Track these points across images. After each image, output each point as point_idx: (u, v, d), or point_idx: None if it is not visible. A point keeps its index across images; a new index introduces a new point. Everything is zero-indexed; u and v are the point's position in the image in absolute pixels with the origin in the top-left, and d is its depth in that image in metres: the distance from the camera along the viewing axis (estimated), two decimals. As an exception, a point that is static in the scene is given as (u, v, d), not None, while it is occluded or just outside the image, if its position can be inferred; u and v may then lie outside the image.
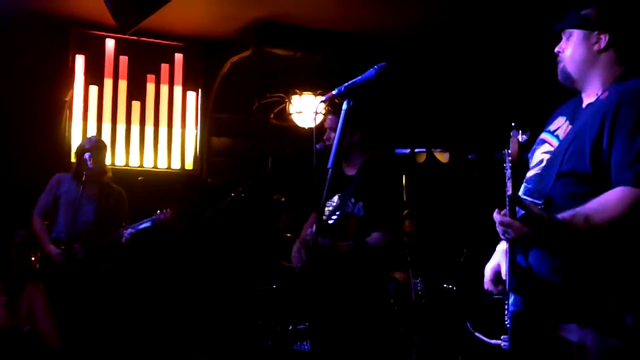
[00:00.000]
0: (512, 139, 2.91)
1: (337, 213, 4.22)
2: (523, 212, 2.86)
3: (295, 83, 8.23)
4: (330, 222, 4.25)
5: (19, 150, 7.28)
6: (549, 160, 3.03)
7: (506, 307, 3.00)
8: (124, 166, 7.97)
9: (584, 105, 3.07)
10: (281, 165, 7.60)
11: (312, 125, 7.55)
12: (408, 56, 7.90)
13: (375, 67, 3.12)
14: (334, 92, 3.15)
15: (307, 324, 5.67)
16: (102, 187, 6.39)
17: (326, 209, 4.29)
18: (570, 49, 3.05)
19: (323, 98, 3.23)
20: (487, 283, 3.25)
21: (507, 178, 2.89)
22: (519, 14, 6.97)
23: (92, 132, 7.79)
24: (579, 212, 2.77)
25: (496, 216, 2.89)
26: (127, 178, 7.56)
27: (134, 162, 8.06)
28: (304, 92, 8.18)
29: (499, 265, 3.20)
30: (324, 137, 4.85)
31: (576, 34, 3.03)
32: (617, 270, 2.81)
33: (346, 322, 4.58)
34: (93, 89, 7.94)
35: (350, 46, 7.93)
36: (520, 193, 3.10)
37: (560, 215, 2.78)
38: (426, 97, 8.47)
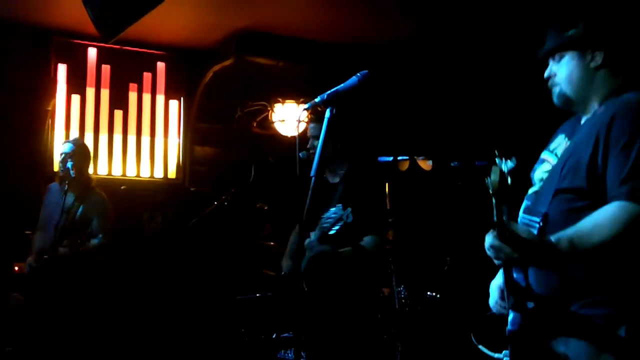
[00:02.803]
0: (493, 168, 2.85)
1: (340, 224, 4.26)
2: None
3: (278, 91, 8.23)
4: (332, 232, 4.29)
5: (0, 159, 7.23)
6: (547, 178, 2.98)
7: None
8: (107, 175, 7.95)
9: (582, 122, 3.01)
10: (264, 173, 7.59)
11: (295, 133, 7.58)
12: (390, 65, 7.92)
13: (358, 74, 3.12)
14: (316, 100, 3.15)
15: (291, 332, 5.67)
16: (79, 196, 6.31)
17: (326, 219, 4.33)
18: (565, 71, 2.97)
19: (306, 106, 3.23)
20: (493, 301, 3.14)
21: (493, 205, 2.77)
22: (500, 22, 7.00)
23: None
24: (571, 235, 2.70)
25: (489, 238, 2.76)
26: (110, 187, 7.53)
27: (117, 172, 8.04)
28: (286, 101, 8.19)
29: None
30: (307, 146, 4.86)
31: (569, 55, 2.96)
32: (612, 283, 2.76)
33: (340, 329, 4.60)
34: (75, 98, 7.91)
35: (332, 55, 7.95)
36: (520, 210, 3.07)
37: (553, 238, 2.72)
38: (408, 105, 8.49)
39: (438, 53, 7.90)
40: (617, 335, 2.72)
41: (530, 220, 2.93)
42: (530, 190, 3.11)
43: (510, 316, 2.88)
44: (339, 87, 3.14)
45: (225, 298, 7.20)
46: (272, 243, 6.74)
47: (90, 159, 6.63)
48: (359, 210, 4.58)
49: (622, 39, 2.98)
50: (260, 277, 6.88)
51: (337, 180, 4.87)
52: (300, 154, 4.58)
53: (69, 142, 6.61)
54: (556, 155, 3.03)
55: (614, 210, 2.67)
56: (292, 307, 4.86)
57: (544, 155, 3.14)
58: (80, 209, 6.29)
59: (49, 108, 7.76)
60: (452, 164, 7.58)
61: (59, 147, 6.66)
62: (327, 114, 3.14)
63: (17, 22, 7.30)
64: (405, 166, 7.78)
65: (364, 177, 4.82)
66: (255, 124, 8.47)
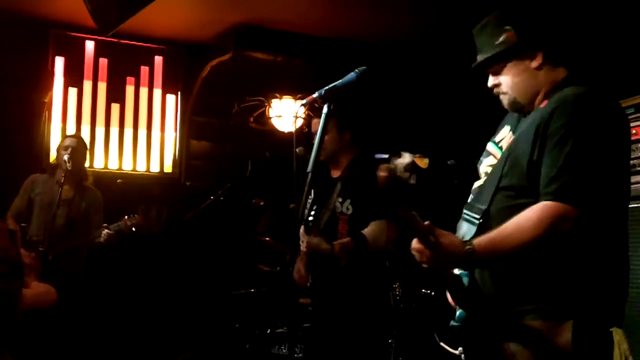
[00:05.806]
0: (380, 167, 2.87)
1: (314, 207, 4.21)
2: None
3: (275, 87, 8.22)
4: (310, 217, 4.25)
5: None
6: (490, 173, 2.97)
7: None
8: (103, 169, 7.94)
9: (526, 116, 3.00)
10: (260, 169, 7.58)
11: (292, 129, 7.58)
12: (388, 61, 7.91)
13: (357, 70, 3.11)
14: (314, 96, 3.13)
15: (285, 328, 5.66)
16: (78, 189, 6.35)
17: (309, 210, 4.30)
18: (511, 80, 2.94)
19: (303, 102, 3.21)
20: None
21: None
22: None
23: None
24: (492, 238, 2.67)
25: (413, 242, 2.77)
26: (106, 181, 7.53)
27: (113, 165, 8.04)
28: (283, 96, 8.18)
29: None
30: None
31: (509, 64, 2.94)
32: (553, 284, 2.74)
33: (342, 325, 4.57)
34: (72, 91, 7.91)
35: (330, 51, 7.94)
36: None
37: (475, 241, 2.68)
38: (405, 102, 8.48)
39: (436, 50, 7.89)
40: (557, 339, 2.71)
41: (471, 217, 2.92)
42: (476, 184, 3.11)
43: (457, 313, 2.92)
44: (337, 83, 3.12)
45: (220, 293, 7.20)
46: (267, 238, 6.73)
47: (87, 154, 6.71)
48: (360, 200, 4.52)
49: (556, 32, 2.98)
50: (255, 273, 6.88)
51: (338, 174, 4.79)
52: (296, 150, 4.56)
53: (72, 136, 6.67)
54: (501, 148, 3.01)
55: (539, 211, 2.64)
56: (288, 303, 4.83)
57: (490, 147, 3.12)
58: (82, 203, 6.32)
59: (46, 100, 7.75)
60: (448, 162, 7.57)
61: (62, 140, 6.67)
62: (325, 109, 3.13)
63: (14, 14, 7.28)
64: (401, 164, 7.76)
65: (367, 167, 4.71)
66: (252, 119, 8.46)
